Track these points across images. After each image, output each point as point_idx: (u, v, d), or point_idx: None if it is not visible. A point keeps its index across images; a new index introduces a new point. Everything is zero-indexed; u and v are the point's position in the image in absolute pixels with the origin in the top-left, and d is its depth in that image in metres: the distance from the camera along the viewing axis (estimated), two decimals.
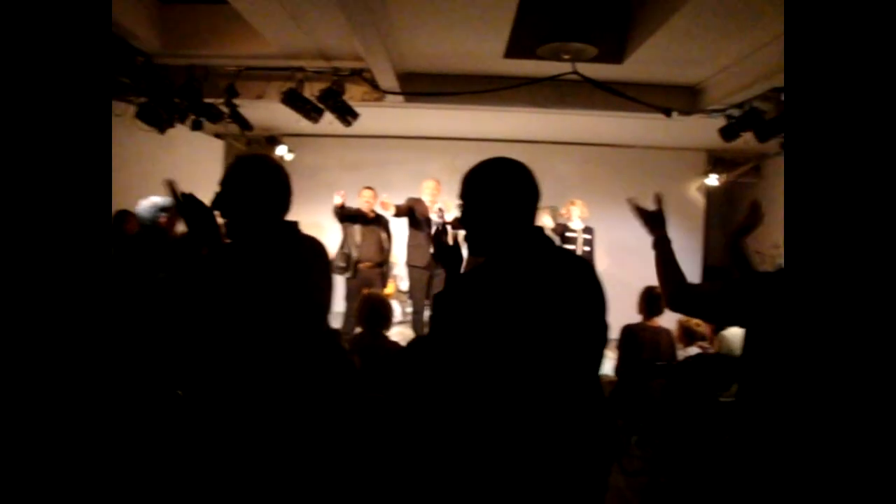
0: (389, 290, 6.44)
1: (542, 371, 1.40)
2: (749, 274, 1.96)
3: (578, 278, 1.50)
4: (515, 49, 4.59)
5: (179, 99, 4.74)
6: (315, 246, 1.92)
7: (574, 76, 4.63)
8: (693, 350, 4.03)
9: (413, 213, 5.94)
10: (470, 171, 1.56)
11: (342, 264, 5.95)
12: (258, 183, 1.80)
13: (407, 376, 2.74)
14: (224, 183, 1.80)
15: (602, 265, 6.98)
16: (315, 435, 1.76)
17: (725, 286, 1.86)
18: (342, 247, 6.05)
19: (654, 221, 1.99)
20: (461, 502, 1.42)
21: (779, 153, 6.42)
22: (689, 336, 4.00)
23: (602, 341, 1.53)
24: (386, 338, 3.27)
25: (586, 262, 1.61)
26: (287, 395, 1.71)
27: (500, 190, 1.49)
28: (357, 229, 6.02)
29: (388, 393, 2.79)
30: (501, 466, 1.39)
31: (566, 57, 4.42)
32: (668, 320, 4.10)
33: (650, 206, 2.01)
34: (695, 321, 4.01)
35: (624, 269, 7.40)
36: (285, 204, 1.85)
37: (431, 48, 4.77)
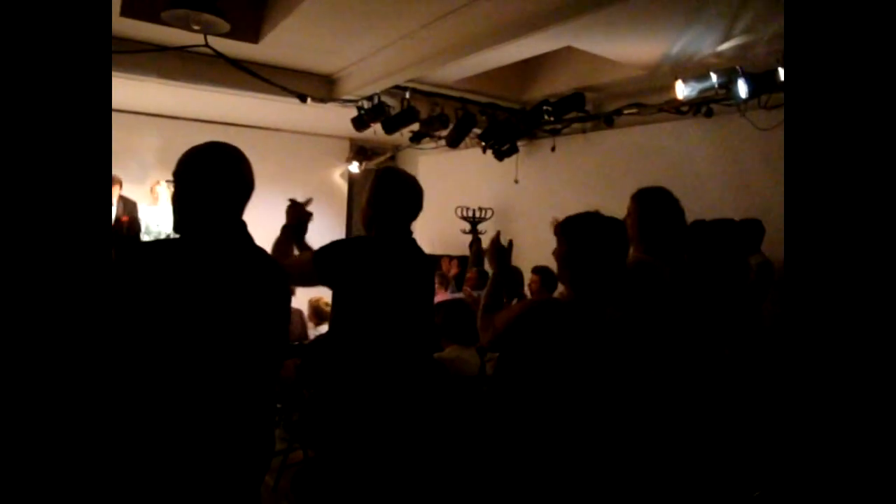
0: None
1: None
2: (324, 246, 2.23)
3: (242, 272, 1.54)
4: (133, 8, 4.14)
5: None
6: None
7: (206, 49, 4.39)
8: (324, 328, 4.23)
9: None
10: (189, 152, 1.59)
11: None
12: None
13: None
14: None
15: None
16: None
17: (310, 257, 2.17)
18: None
19: (297, 216, 2.31)
20: None
21: (410, 144, 7.11)
22: (318, 315, 4.18)
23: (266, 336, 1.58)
24: None
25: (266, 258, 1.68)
26: None
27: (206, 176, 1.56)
28: None
29: None
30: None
31: (196, 28, 4.15)
32: (299, 301, 4.23)
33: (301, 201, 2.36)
34: (324, 301, 4.21)
35: None
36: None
37: None
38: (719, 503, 2.52)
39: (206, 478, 1.40)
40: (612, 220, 1.89)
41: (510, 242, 2.20)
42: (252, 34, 4.62)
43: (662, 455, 2.23)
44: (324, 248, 2.14)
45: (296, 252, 2.32)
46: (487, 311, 2.04)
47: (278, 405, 4.42)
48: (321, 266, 2.11)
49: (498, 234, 2.21)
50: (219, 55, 4.46)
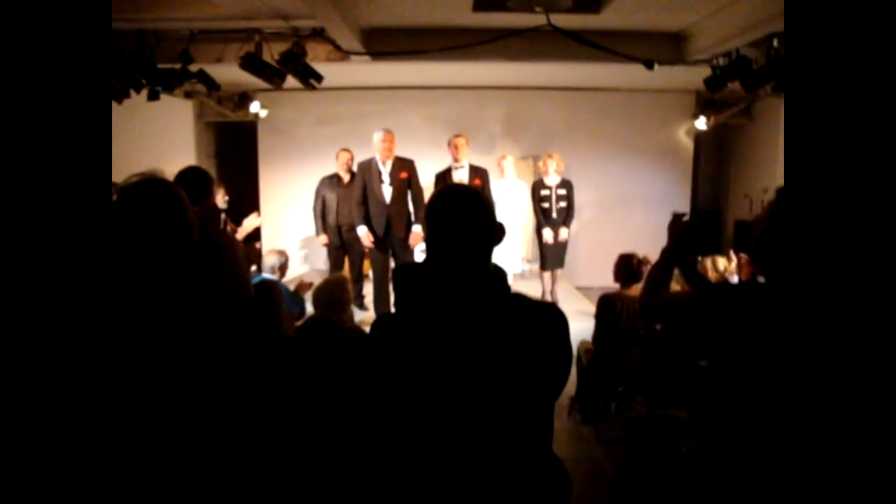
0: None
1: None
2: (708, 288, 1.88)
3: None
4: (485, 1, 4.28)
5: (131, 66, 4.44)
6: None
7: (548, 27, 4.35)
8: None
9: (364, 183, 5.26)
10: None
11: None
12: None
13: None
14: None
15: (584, 217, 6.73)
16: None
17: (689, 299, 1.82)
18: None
19: (679, 239, 1.93)
20: None
21: (771, 94, 6.13)
22: None
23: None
24: (343, 322, 3.16)
25: None
26: None
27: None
28: (334, 193, 5.87)
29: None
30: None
31: (539, 9, 4.13)
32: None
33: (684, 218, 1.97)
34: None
35: (607, 220, 7.22)
36: None
37: (395, 2, 4.46)
38: None
39: None
40: None
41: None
42: (593, 4, 4.40)
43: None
44: (698, 296, 1.75)
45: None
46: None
47: (619, 388, 4.36)
48: (696, 315, 1.73)
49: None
50: (560, 32, 4.37)
